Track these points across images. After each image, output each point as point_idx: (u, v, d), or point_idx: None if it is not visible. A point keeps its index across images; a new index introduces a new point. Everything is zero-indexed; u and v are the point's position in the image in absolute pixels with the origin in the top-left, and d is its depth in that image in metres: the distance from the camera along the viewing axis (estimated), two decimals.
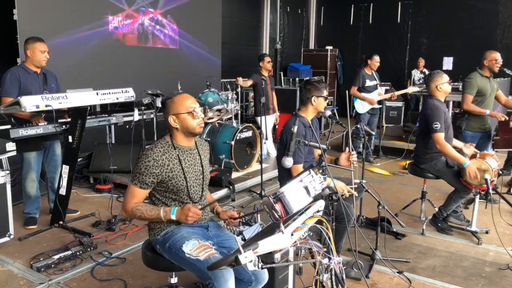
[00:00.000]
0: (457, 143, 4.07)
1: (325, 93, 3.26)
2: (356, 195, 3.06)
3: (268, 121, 6.00)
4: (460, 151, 3.95)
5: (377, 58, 6.47)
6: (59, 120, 3.81)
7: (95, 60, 6.03)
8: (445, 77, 3.89)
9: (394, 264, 3.33)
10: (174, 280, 2.48)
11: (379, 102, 6.69)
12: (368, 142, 6.56)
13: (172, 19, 7.23)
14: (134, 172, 2.25)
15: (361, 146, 6.56)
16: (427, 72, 9.56)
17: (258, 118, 6.11)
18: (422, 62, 9.69)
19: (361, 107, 6.55)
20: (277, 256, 1.71)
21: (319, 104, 3.25)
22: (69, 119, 3.85)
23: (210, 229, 2.42)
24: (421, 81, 9.41)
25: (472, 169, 3.62)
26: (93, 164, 5.30)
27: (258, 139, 5.80)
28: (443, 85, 3.86)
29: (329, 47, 11.53)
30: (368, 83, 6.50)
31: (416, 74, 9.67)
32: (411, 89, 6.97)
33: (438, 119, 3.73)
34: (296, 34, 11.75)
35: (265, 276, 2.27)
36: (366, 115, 6.60)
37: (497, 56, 4.55)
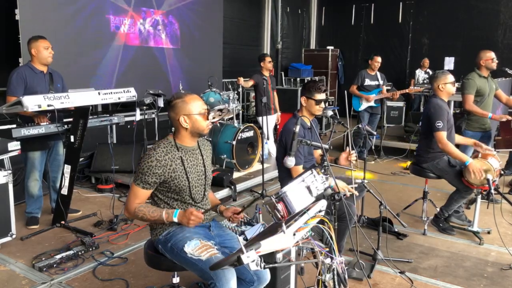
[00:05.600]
0: (462, 140, 4.08)
1: (317, 96, 3.17)
2: (357, 194, 3.06)
3: (270, 121, 6.00)
4: (464, 148, 3.95)
5: (377, 59, 6.60)
6: (64, 120, 3.81)
7: (96, 60, 6.04)
8: (449, 78, 3.89)
9: (396, 264, 3.33)
10: (176, 280, 2.48)
11: (379, 102, 6.72)
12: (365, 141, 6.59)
13: (174, 19, 7.23)
14: (137, 172, 2.26)
15: (361, 145, 6.58)
16: (431, 73, 9.56)
17: (260, 118, 6.11)
18: (426, 62, 9.68)
19: (358, 104, 6.65)
20: (279, 256, 1.71)
21: (310, 105, 3.21)
22: (71, 119, 3.86)
23: (212, 229, 2.42)
24: (425, 81, 9.40)
25: (476, 166, 3.60)
26: (94, 164, 5.31)
27: (259, 139, 5.80)
28: (445, 85, 3.87)
29: (330, 47, 11.53)
30: (368, 82, 6.59)
31: (421, 75, 9.66)
32: (413, 89, 7.00)
33: (441, 118, 3.73)
34: (297, 34, 11.75)
35: (267, 276, 2.27)
36: (366, 114, 6.67)
37: (492, 54, 4.59)
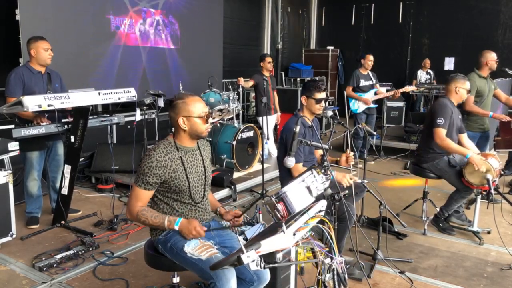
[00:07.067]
0: (468, 145, 4.06)
1: (318, 95, 3.18)
2: (358, 180, 3.06)
3: (270, 121, 6.00)
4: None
5: (370, 57, 6.48)
6: (62, 120, 3.82)
7: (96, 60, 6.04)
8: (467, 85, 3.92)
9: (395, 264, 3.34)
10: (176, 279, 2.48)
11: (376, 102, 6.69)
12: (365, 141, 6.58)
13: (174, 19, 7.23)
14: (137, 173, 2.26)
15: (360, 146, 6.58)
16: (432, 73, 9.56)
17: (260, 118, 6.11)
18: (428, 63, 9.67)
19: (356, 107, 6.56)
20: (279, 255, 1.71)
21: (310, 105, 3.22)
22: (71, 119, 3.86)
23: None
24: (427, 82, 9.38)
25: (476, 158, 3.60)
26: (94, 164, 5.31)
27: (259, 139, 5.80)
28: (461, 90, 3.88)
29: (330, 47, 11.53)
30: (363, 83, 6.51)
31: (422, 75, 9.65)
32: (409, 88, 6.95)
33: (443, 115, 3.74)
34: (297, 34, 11.75)
35: (267, 276, 2.27)
36: (363, 115, 6.60)
37: (496, 55, 4.64)
